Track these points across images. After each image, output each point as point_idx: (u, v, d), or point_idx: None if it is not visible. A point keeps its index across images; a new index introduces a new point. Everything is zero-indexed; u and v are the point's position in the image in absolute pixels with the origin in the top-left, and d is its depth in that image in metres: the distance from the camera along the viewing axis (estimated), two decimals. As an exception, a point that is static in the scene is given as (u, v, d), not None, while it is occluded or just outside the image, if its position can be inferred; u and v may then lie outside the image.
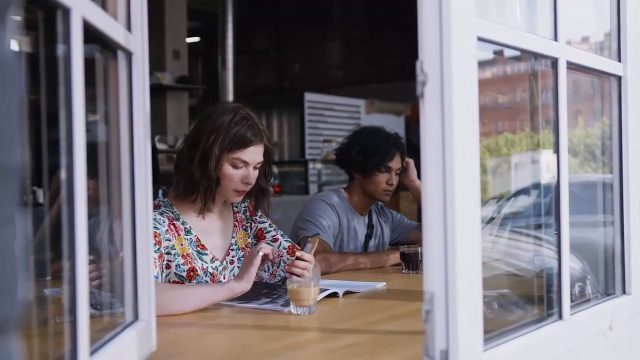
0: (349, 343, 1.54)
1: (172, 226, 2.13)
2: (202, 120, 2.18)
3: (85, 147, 1.00)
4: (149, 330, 1.37)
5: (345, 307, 2.02)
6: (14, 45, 0.57)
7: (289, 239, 2.36)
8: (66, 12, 0.96)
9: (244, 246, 2.31)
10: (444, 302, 1.14)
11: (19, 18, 0.59)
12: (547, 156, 1.84)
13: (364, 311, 1.95)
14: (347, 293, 2.13)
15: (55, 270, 1.76)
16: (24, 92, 0.57)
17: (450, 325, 1.13)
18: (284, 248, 2.30)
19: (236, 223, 2.32)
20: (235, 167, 2.14)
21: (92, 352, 1.06)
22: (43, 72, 1.00)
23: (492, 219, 2.27)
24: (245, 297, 1.95)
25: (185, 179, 2.15)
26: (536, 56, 1.53)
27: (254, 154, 2.16)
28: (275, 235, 2.35)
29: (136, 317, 1.35)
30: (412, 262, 2.59)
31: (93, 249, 1.15)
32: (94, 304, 1.29)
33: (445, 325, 1.14)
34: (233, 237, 2.30)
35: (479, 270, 1.19)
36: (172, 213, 2.17)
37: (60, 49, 0.97)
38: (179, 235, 2.15)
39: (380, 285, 2.30)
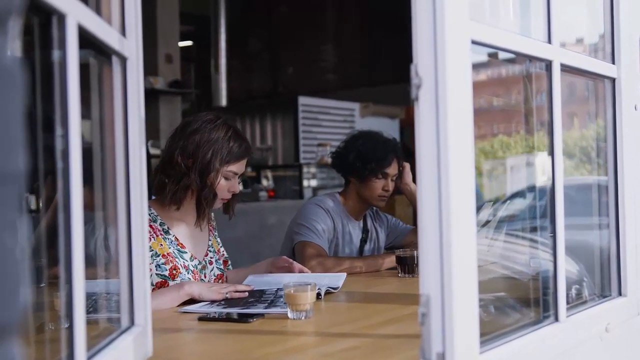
0: (347, 347, 1.53)
1: (149, 228, 2.16)
2: (191, 133, 2.22)
3: (81, 152, 0.99)
4: (144, 336, 1.37)
5: (342, 311, 2.02)
6: (16, 51, 0.57)
7: (221, 268, 2.42)
8: (61, 17, 0.96)
9: (217, 250, 2.42)
10: (440, 304, 1.14)
11: (20, 23, 0.59)
12: (542, 159, 1.85)
13: (361, 315, 1.95)
14: (328, 292, 2.16)
15: (50, 276, 1.75)
16: (25, 98, 0.57)
17: (447, 327, 1.13)
18: (214, 275, 2.36)
19: (211, 228, 2.43)
20: (226, 178, 2.25)
21: (89, 358, 1.06)
22: (38, 77, 1.00)
23: (487, 222, 2.27)
24: (243, 305, 1.95)
25: (182, 189, 2.20)
26: (530, 59, 1.54)
27: (244, 166, 2.30)
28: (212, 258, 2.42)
29: (132, 322, 1.34)
30: (408, 266, 2.59)
31: (88, 255, 1.15)
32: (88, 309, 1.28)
33: (442, 328, 1.14)
34: (209, 240, 2.39)
35: (475, 272, 1.19)
36: (149, 215, 2.20)
37: (55, 54, 0.97)
38: (157, 236, 2.20)
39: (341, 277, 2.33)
